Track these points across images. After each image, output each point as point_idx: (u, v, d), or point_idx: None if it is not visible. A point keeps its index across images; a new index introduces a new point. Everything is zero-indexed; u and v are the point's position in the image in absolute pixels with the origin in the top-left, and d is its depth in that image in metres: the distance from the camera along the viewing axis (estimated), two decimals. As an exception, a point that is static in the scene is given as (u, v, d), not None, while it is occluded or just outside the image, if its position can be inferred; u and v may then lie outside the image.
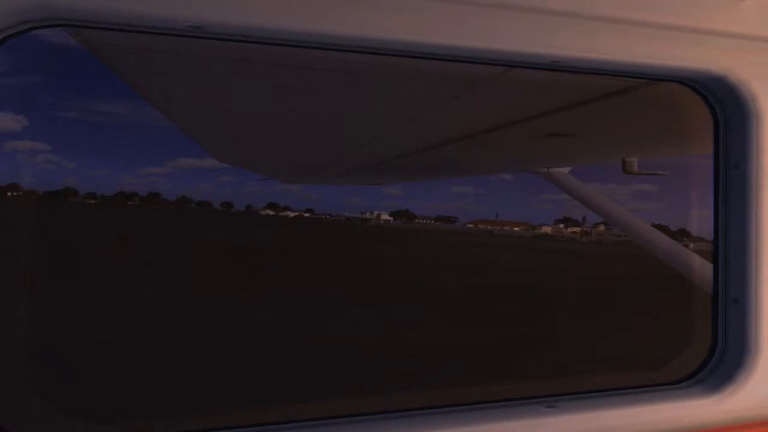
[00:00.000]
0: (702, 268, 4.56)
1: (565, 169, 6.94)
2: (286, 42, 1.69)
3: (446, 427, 1.79)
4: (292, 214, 69.95)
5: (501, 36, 1.75)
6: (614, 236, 58.07)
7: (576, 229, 63.55)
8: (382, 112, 4.12)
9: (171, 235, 45.57)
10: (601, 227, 60.78)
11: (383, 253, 40.05)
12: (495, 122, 4.22)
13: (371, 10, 1.65)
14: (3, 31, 1.47)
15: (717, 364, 2.06)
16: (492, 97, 3.19)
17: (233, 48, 2.09)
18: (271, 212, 70.33)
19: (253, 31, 1.62)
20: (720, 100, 2.03)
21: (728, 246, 2.06)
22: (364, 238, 57.66)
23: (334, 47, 1.72)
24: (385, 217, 71.37)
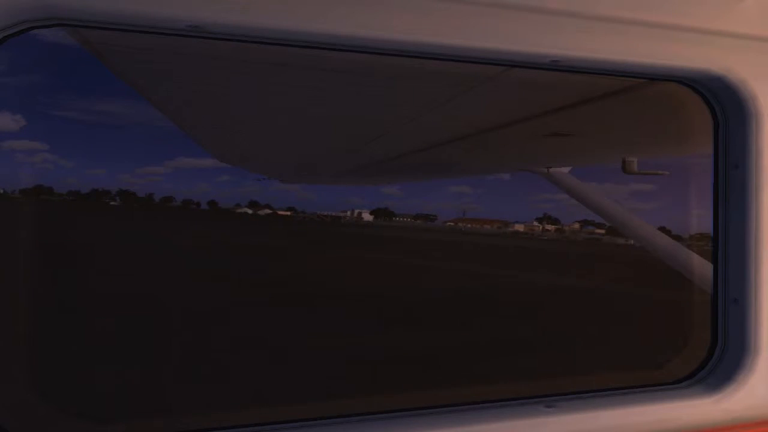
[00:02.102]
0: (701, 267, 4.57)
1: (566, 169, 6.95)
2: (286, 42, 1.69)
3: (446, 426, 1.79)
4: (267, 212, 70.03)
5: (501, 36, 1.75)
6: (585, 233, 59.38)
7: (549, 226, 64.77)
8: (382, 112, 4.13)
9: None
10: (576, 225, 61.98)
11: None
12: (495, 122, 4.23)
13: (371, 10, 1.65)
14: (2, 31, 1.47)
15: (716, 364, 2.07)
16: (492, 97, 3.19)
17: (233, 48, 2.09)
18: (249, 211, 70.26)
19: (252, 31, 1.62)
20: (719, 100, 2.04)
21: (728, 246, 2.06)
22: (313, 237, 55.03)
23: (334, 47, 1.72)
24: (366, 215, 71.14)
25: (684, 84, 2.03)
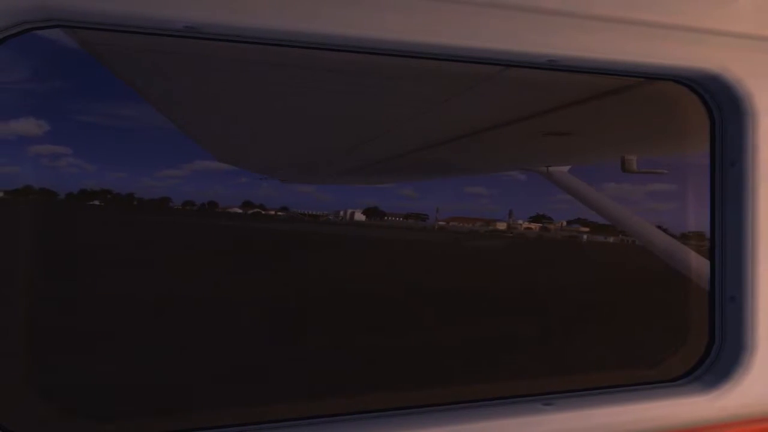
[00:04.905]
0: (699, 265, 4.57)
1: (565, 168, 6.97)
2: (285, 42, 1.70)
3: (444, 425, 1.80)
4: (250, 211, 70.65)
5: (498, 35, 1.76)
6: (564, 231, 61.23)
7: (531, 225, 66.13)
8: (381, 112, 4.13)
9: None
10: (558, 224, 63.93)
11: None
12: (494, 121, 4.23)
13: (370, 9, 1.66)
14: (2, 32, 1.48)
15: (713, 362, 2.08)
16: (490, 96, 3.20)
17: (232, 48, 2.10)
18: (239, 210, 70.88)
19: (249, 31, 1.63)
20: (716, 99, 2.05)
21: (724, 244, 2.07)
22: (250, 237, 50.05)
23: (333, 47, 1.72)
24: (358, 214, 70.86)
25: (680, 83, 2.04)
